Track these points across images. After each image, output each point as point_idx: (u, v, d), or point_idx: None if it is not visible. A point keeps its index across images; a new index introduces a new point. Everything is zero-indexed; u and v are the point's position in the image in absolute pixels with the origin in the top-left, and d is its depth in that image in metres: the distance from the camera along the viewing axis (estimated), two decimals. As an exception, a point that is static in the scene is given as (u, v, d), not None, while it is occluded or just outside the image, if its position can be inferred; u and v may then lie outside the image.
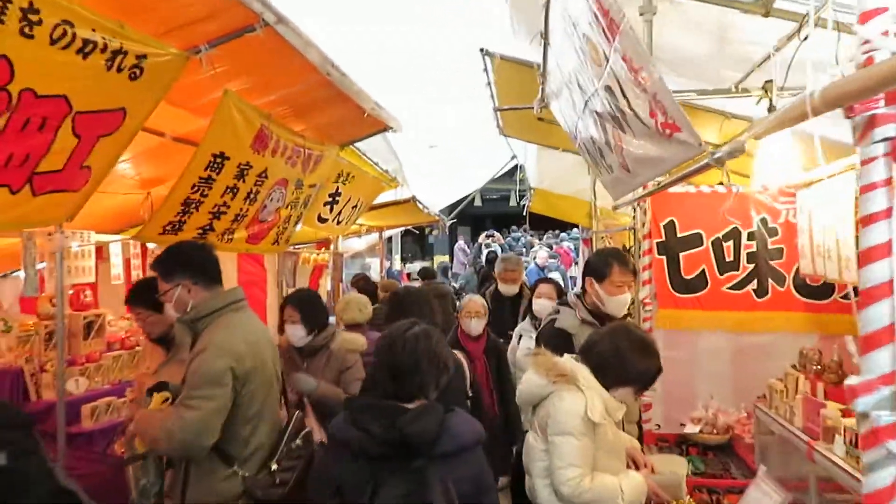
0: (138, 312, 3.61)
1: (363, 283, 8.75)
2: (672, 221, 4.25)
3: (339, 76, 3.98)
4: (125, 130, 2.95)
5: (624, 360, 2.63)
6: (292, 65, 3.65)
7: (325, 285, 9.70)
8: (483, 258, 14.79)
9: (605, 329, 2.90)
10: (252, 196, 4.25)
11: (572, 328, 3.26)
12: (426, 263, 25.40)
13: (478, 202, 14.55)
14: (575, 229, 22.18)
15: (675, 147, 2.34)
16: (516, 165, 12.64)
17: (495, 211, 26.00)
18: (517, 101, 5.99)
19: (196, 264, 2.98)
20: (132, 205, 5.00)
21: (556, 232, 22.24)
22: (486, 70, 5.52)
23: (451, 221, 10.18)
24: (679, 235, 4.24)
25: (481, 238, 18.77)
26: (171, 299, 2.94)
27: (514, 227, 22.74)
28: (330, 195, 6.33)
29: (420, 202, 8.15)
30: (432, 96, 6.77)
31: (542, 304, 4.91)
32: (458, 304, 5.66)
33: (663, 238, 4.29)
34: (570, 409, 2.54)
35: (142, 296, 3.52)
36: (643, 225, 4.47)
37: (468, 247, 20.78)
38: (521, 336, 5.14)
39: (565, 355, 2.75)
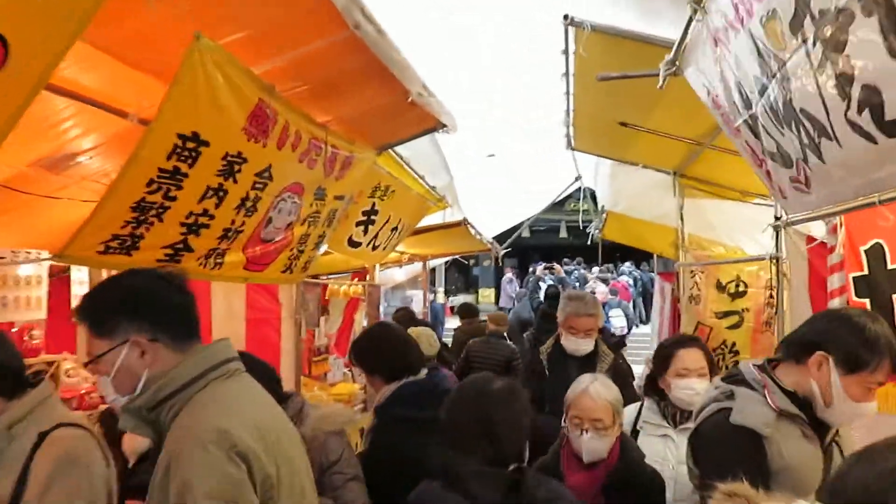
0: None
1: (407, 318, 7.49)
2: (879, 246, 2.72)
3: (374, 33, 2.76)
4: (10, 75, 1.74)
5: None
6: (303, 4, 2.45)
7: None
8: (542, 293, 12.81)
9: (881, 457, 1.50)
10: (249, 203, 3.03)
11: (763, 426, 1.88)
12: (470, 297, 24.17)
13: (525, 233, 13.26)
14: (628, 262, 20.71)
15: None
16: (570, 195, 11.32)
17: (544, 243, 24.74)
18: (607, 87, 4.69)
19: (155, 308, 1.83)
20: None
21: (609, 266, 20.74)
22: (566, 51, 4.24)
23: (506, 250, 8.87)
24: (891, 267, 2.71)
25: (539, 270, 17.14)
26: (111, 369, 1.75)
27: (565, 260, 21.30)
28: (364, 213, 5.11)
29: (473, 226, 6.89)
30: (494, 99, 5.54)
31: (688, 386, 2.88)
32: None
33: (866, 271, 2.79)
34: None
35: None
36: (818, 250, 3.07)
37: (517, 280, 19.41)
38: (639, 430, 3.09)
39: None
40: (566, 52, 4.25)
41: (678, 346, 3.05)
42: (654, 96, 4.74)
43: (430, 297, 10.74)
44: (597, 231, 9.09)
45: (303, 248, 3.86)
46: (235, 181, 2.82)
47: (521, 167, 7.68)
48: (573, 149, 6.85)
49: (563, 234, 25.89)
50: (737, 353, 6.53)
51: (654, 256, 8.52)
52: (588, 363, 3.79)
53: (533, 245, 24.09)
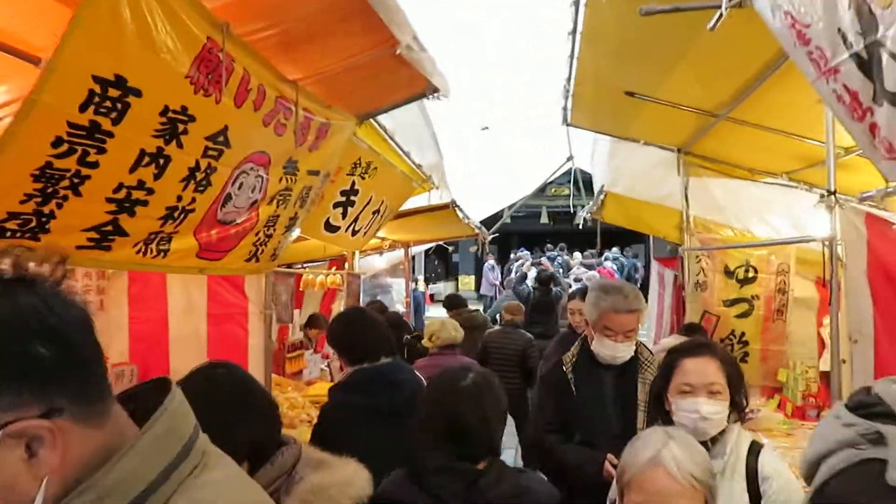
0: None
1: (377, 311, 6.85)
2: None
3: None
4: None
5: None
6: None
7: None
8: (529, 282, 11.39)
9: None
10: (201, 175, 2.41)
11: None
12: (450, 285, 23.60)
13: (506, 219, 12.67)
14: (614, 248, 20.31)
15: None
16: (552, 181, 10.73)
17: (525, 229, 24.24)
18: (617, 50, 4.14)
19: (38, 355, 0.90)
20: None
21: (592, 251, 20.31)
22: (575, 2, 3.65)
23: (493, 235, 8.31)
24: None
25: (525, 266, 16.04)
26: None
27: (548, 246, 20.82)
28: (343, 193, 4.50)
29: (461, 209, 6.31)
30: (488, 59, 4.94)
31: (690, 407, 2.21)
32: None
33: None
34: None
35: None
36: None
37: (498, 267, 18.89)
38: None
39: None
40: (576, 2, 3.67)
41: (682, 354, 2.33)
42: (670, 61, 4.21)
43: (412, 285, 10.16)
44: (587, 214, 8.56)
45: (270, 233, 3.25)
46: (180, 145, 2.21)
47: (513, 144, 7.11)
48: (569, 124, 6.28)
49: (545, 219, 25.42)
50: (746, 343, 6.07)
51: (650, 240, 8.01)
52: (627, 375, 2.96)
53: (513, 231, 23.57)
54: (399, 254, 9.07)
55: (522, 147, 7.52)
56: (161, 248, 2.49)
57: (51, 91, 1.69)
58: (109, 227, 2.17)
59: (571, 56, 4.51)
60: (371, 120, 4.13)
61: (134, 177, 2.11)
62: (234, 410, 1.60)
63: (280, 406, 4.66)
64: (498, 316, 9.87)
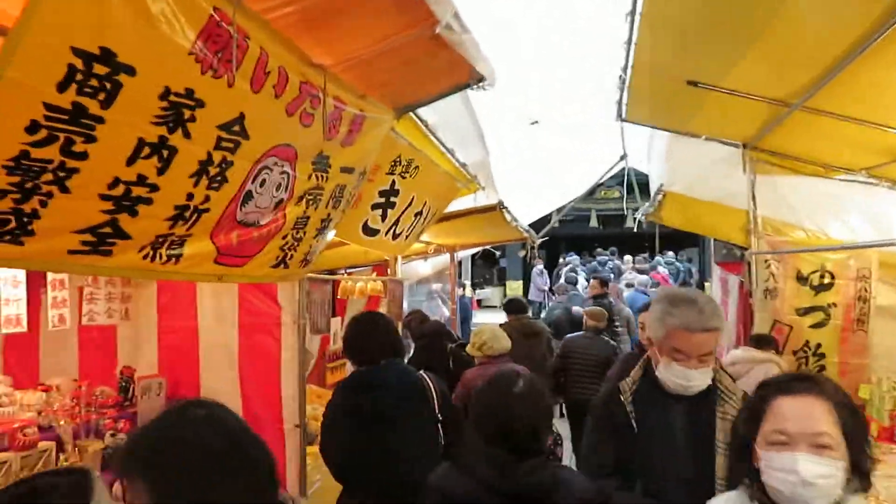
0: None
1: (417, 321, 6.54)
2: None
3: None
4: None
5: None
6: None
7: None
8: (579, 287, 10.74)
9: None
10: (214, 170, 2.13)
11: None
12: (498, 290, 23.18)
13: (553, 222, 12.21)
14: (669, 252, 19.61)
15: None
16: (601, 183, 10.21)
17: (573, 232, 23.67)
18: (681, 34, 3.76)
19: None
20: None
21: (645, 255, 19.68)
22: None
23: (543, 239, 7.93)
24: None
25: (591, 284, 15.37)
26: None
27: (599, 250, 20.24)
28: (382, 193, 4.21)
29: (509, 211, 5.96)
30: (530, 52, 4.58)
31: (787, 465, 1.61)
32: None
33: None
34: None
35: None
36: None
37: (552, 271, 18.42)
38: None
39: None
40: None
41: (778, 390, 1.71)
42: (740, 45, 3.81)
43: (459, 291, 9.83)
44: (642, 216, 8.09)
45: (300, 236, 2.97)
46: (187, 134, 1.93)
47: (561, 143, 6.71)
48: (624, 119, 5.87)
49: (594, 222, 24.80)
50: (822, 355, 5.56)
51: (711, 244, 7.50)
52: (702, 408, 2.31)
53: (561, 235, 23.02)
54: (445, 259, 8.76)
55: (572, 146, 7.11)
56: (172, 252, 2.22)
57: (19, 65, 1.42)
58: (107, 229, 1.89)
59: (629, 42, 4.12)
60: (411, 114, 3.83)
61: (133, 170, 1.83)
62: (215, 469, 1.24)
63: (319, 420, 4.39)
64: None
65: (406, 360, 5.34)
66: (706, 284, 22.00)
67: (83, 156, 1.67)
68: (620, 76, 4.81)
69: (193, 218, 2.19)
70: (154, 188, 1.94)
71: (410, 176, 4.29)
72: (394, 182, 4.18)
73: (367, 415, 2.89)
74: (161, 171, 1.92)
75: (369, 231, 4.34)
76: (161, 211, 2.04)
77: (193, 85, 1.85)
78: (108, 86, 1.61)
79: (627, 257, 18.54)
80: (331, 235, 3.54)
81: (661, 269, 17.07)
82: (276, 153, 2.43)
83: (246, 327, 3.85)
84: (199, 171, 2.07)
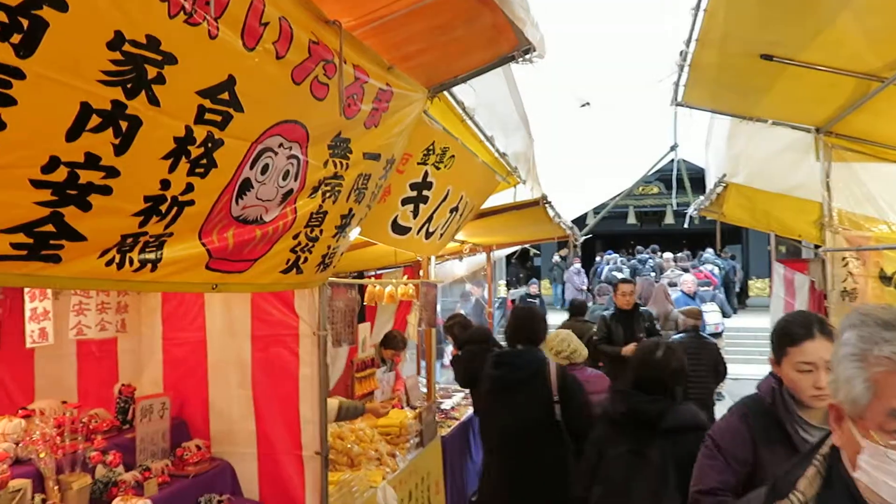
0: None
1: (459, 331, 6.06)
2: None
3: None
4: None
5: None
6: None
7: (415, 324, 7.09)
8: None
9: None
10: (197, 151, 1.65)
11: None
12: (530, 290, 22.53)
13: (589, 219, 11.59)
14: (709, 250, 18.79)
15: None
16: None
17: (610, 230, 22.94)
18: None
19: None
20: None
21: (686, 253, 18.88)
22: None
23: (586, 237, 7.37)
24: None
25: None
26: None
27: (639, 248, 19.52)
28: (413, 186, 3.71)
29: (552, 207, 5.42)
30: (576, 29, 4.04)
31: None
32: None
33: None
34: None
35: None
36: None
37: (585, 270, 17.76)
38: None
39: None
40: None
41: None
42: (831, 7, 3.26)
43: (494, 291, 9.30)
44: (695, 211, 7.47)
45: (315, 235, 2.47)
46: (154, 100, 1.44)
47: (613, 129, 6.16)
48: (680, 103, 5.29)
49: (632, 219, 24.09)
50: (909, 365, 4.90)
51: (772, 240, 6.87)
52: None
53: (597, 232, 22.36)
54: (480, 259, 8.23)
55: (621, 134, 6.56)
56: (146, 257, 1.73)
57: None
58: (48, 227, 1.42)
59: (697, 8, 3.57)
60: (446, 94, 3.33)
61: (77, 147, 1.35)
62: None
63: (345, 440, 3.90)
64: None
65: (451, 364, 6.09)
66: (751, 283, 21.23)
67: (-1, 125, 1.19)
68: (682, 51, 4.25)
69: (173, 212, 1.70)
70: (112, 173, 1.46)
71: (445, 166, 3.78)
72: (426, 173, 3.68)
73: (497, 383, 3.78)
74: (120, 150, 1.44)
75: (399, 229, 3.84)
76: (125, 203, 1.56)
77: (158, 32, 1.37)
78: (26, 24, 1.14)
79: (667, 254, 17.75)
80: (354, 234, 3.04)
81: (705, 267, 16.29)
82: (280, 132, 1.94)
83: (260, 339, 3.38)
84: (176, 152, 1.59)
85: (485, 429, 4.26)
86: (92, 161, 1.40)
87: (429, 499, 4.72)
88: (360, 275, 6.89)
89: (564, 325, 6.90)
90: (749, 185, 5.67)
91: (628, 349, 5.71)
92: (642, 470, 2.75)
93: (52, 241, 1.45)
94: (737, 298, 18.60)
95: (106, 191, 1.47)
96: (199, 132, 1.62)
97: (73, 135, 1.33)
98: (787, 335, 2.03)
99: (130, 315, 3.45)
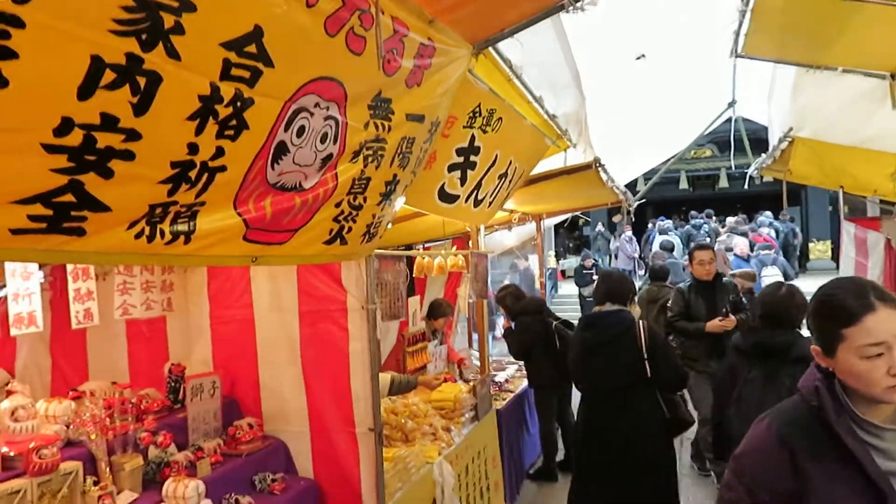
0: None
1: (512, 302, 5.90)
2: None
3: None
4: None
5: None
6: None
7: (465, 297, 6.96)
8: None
9: None
10: (225, 111, 1.52)
11: None
12: (584, 263, 22.15)
13: (639, 185, 11.19)
14: (767, 212, 18.10)
15: None
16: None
17: (661, 196, 22.31)
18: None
19: None
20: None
21: (743, 217, 18.24)
22: None
23: (639, 202, 7.09)
24: None
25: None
26: None
27: (693, 213, 18.95)
28: (460, 151, 3.53)
29: (605, 170, 5.17)
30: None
31: None
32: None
33: None
34: None
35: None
36: None
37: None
38: None
39: None
40: None
41: None
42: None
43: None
44: (755, 172, 7.10)
45: (359, 203, 2.33)
46: (174, 53, 1.31)
47: (668, 85, 5.84)
48: (740, 55, 4.95)
49: (684, 184, 23.42)
50: None
51: (840, 197, 6.46)
52: None
53: (648, 199, 21.81)
54: (529, 228, 8.02)
55: (676, 91, 6.22)
56: (179, 229, 1.62)
57: None
58: (68, 197, 1.31)
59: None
60: (492, 51, 3.13)
61: (91, 107, 1.23)
62: None
63: (399, 415, 3.81)
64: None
65: (504, 337, 6.12)
66: (811, 245, 20.41)
67: (1, 83, 1.07)
68: (743, -1, 3.97)
69: (203, 179, 1.58)
70: (133, 136, 1.33)
71: (493, 130, 3.59)
72: (473, 137, 3.50)
73: (588, 344, 3.87)
74: (140, 110, 1.31)
75: (447, 197, 3.69)
76: (150, 170, 1.44)
77: (173, -25, 1.23)
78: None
79: (731, 219, 17.12)
80: (400, 204, 2.90)
81: (762, 230, 15.68)
82: (316, 89, 1.79)
83: (308, 315, 3.28)
84: (203, 112, 1.46)
85: (579, 389, 4.22)
86: (109, 122, 1.28)
87: (486, 473, 4.61)
88: (409, 248, 6.78)
89: (646, 291, 6.70)
90: (818, 138, 5.30)
91: (713, 324, 4.95)
92: (773, 392, 3.00)
93: (73, 213, 1.34)
94: (797, 262, 17.91)
95: (128, 156, 1.35)
96: (227, 90, 1.48)
97: (85, 93, 1.20)
98: (838, 314, 1.53)
99: (177, 293, 3.39)
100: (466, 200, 3.94)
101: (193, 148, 1.50)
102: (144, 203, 1.48)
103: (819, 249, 20.62)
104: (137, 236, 1.52)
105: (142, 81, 1.29)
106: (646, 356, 3.72)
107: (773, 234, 15.72)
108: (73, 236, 1.38)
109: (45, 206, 1.29)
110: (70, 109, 1.21)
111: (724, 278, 5.42)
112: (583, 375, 3.95)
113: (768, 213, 18.31)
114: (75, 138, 1.24)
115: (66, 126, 1.22)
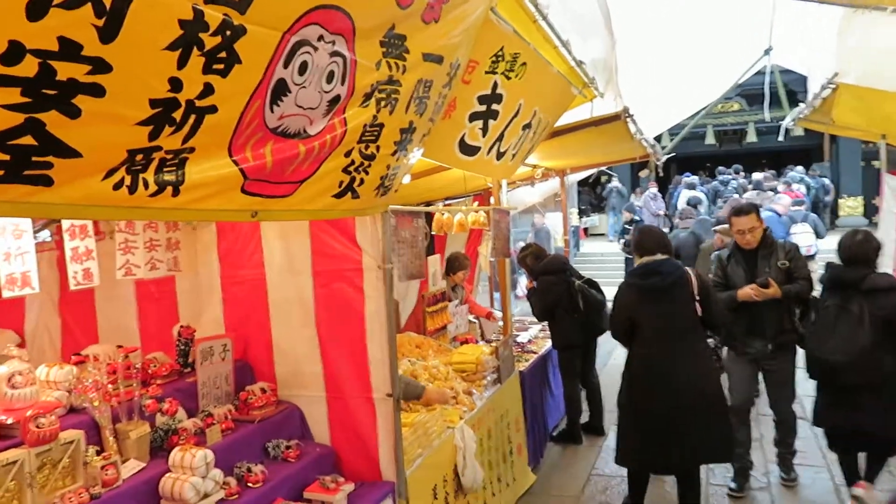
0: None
1: (533, 261, 5.69)
2: None
3: None
4: None
5: None
6: None
7: (487, 255, 6.76)
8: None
9: None
10: (212, 41, 1.31)
11: None
12: (605, 217, 21.78)
13: (665, 141, 10.77)
14: (799, 167, 17.57)
15: None
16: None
17: (686, 152, 21.75)
18: None
19: None
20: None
21: (772, 172, 17.75)
22: None
23: (667, 156, 6.77)
24: None
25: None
26: None
27: (720, 169, 18.48)
28: (481, 99, 3.29)
29: (634, 121, 4.89)
30: None
31: None
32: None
33: None
34: None
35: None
36: None
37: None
38: None
39: None
40: None
41: None
42: None
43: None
44: (792, 123, 6.74)
45: (371, 153, 2.13)
46: (144, -32, 1.10)
47: (700, 28, 5.50)
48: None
49: (710, 139, 22.79)
50: None
51: (882, 150, 6.12)
52: None
53: (673, 155, 21.23)
54: (553, 184, 7.75)
55: (709, 34, 5.87)
56: (165, 179, 1.43)
57: None
58: (27, 139, 1.12)
59: None
60: (515, -12, 2.88)
61: (44, 29, 1.03)
62: None
63: (418, 378, 3.66)
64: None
65: (526, 297, 6.06)
66: (841, 202, 19.84)
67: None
68: None
69: (190, 121, 1.38)
70: (101, 67, 1.14)
71: (517, 76, 3.34)
72: (496, 84, 3.26)
73: (647, 289, 3.95)
74: (107, 36, 1.11)
75: (467, 149, 3.46)
76: (125, 108, 1.24)
77: None
78: None
79: (757, 174, 16.65)
80: (417, 156, 2.69)
81: (794, 186, 15.21)
82: (319, 20, 1.57)
83: (322, 275, 3.11)
84: (185, 41, 1.25)
85: (625, 342, 4.24)
86: (70, 50, 1.08)
87: (509, 437, 4.48)
88: (428, 205, 6.57)
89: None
90: (864, 84, 4.96)
91: (744, 292, 4.29)
92: (845, 317, 3.71)
93: (35, 158, 1.15)
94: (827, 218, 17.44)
95: (97, 91, 1.16)
96: (213, 15, 1.27)
97: (35, 12, 1.00)
98: None
99: (184, 252, 3.23)
100: (488, 153, 3.71)
101: (176, 84, 1.30)
102: (122, 148, 1.29)
103: (849, 206, 20.04)
104: (116, 187, 1.33)
105: (107, 1, 1.08)
106: (698, 298, 3.89)
107: (803, 189, 15.25)
108: (38, 185, 1.19)
109: (1, 151, 1.10)
110: (18, 31, 1.01)
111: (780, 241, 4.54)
112: (646, 321, 3.97)
113: (800, 167, 17.78)
114: (29, 68, 1.05)
115: (14, 52, 1.02)
